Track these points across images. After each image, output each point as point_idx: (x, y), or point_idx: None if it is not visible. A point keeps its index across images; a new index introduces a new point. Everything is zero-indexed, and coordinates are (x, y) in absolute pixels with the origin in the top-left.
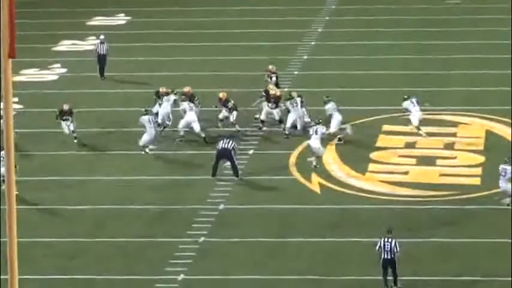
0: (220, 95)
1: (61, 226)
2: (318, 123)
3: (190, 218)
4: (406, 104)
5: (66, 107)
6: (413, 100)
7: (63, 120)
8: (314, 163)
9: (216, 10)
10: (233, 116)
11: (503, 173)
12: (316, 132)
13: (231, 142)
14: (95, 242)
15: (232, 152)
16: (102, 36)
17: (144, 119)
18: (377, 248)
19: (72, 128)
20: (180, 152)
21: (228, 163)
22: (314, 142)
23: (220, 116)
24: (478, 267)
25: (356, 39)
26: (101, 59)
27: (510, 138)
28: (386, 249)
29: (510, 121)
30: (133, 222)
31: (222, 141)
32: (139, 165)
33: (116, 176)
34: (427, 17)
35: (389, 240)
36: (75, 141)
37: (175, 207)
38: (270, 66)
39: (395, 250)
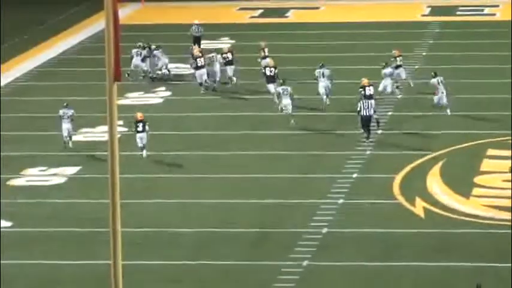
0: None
1: (163, 249)
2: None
3: (294, 242)
4: (433, 81)
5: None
6: (440, 79)
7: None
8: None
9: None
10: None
11: None
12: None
13: (372, 107)
14: (197, 264)
15: (373, 116)
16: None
17: None
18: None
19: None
20: (280, 175)
21: None
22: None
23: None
24: None
25: (459, 63)
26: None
27: None
28: None
29: None
30: (236, 246)
31: (363, 108)
32: (239, 188)
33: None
34: None
35: None
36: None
37: (278, 230)
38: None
39: None
